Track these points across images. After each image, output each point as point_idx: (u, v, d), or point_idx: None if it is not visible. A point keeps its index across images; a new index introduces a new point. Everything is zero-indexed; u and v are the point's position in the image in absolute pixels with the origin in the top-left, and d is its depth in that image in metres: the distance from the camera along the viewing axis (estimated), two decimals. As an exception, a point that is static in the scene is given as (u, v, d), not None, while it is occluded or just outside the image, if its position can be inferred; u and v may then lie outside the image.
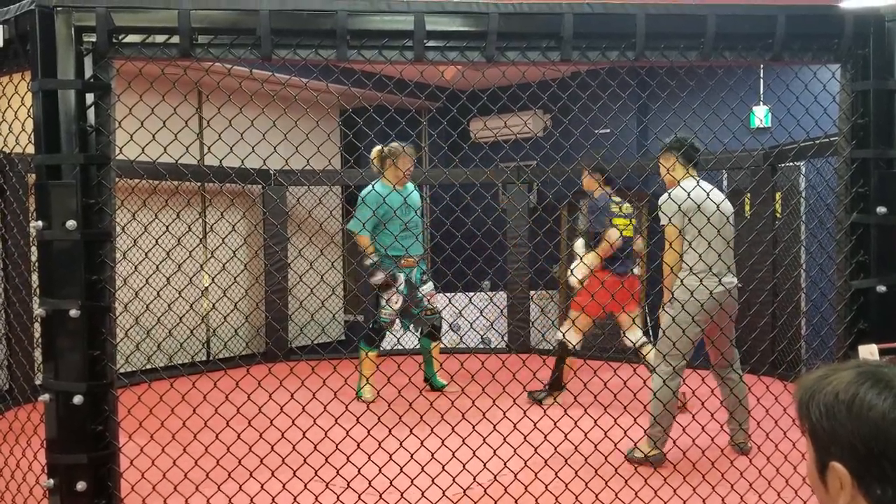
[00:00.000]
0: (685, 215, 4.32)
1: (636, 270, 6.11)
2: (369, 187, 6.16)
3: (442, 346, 6.91)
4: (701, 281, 4.40)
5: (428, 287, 6.44)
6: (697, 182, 4.36)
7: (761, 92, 7.79)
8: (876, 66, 2.86)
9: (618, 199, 6.03)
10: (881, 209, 2.86)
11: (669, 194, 4.26)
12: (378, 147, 6.33)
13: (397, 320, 6.46)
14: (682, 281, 4.30)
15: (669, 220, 4.41)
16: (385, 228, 6.00)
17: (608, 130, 7.34)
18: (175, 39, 2.63)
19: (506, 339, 8.66)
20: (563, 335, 6.00)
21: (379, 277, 6.13)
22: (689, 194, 4.14)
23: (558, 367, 6.10)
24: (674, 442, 3.99)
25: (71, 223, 2.55)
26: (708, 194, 4.26)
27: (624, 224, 5.87)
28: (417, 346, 6.85)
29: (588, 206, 6.01)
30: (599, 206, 5.87)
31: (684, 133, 4.58)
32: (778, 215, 7.05)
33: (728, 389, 4.78)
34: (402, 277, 6.24)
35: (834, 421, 1.33)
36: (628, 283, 5.84)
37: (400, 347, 7.95)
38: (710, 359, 4.81)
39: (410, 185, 6.41)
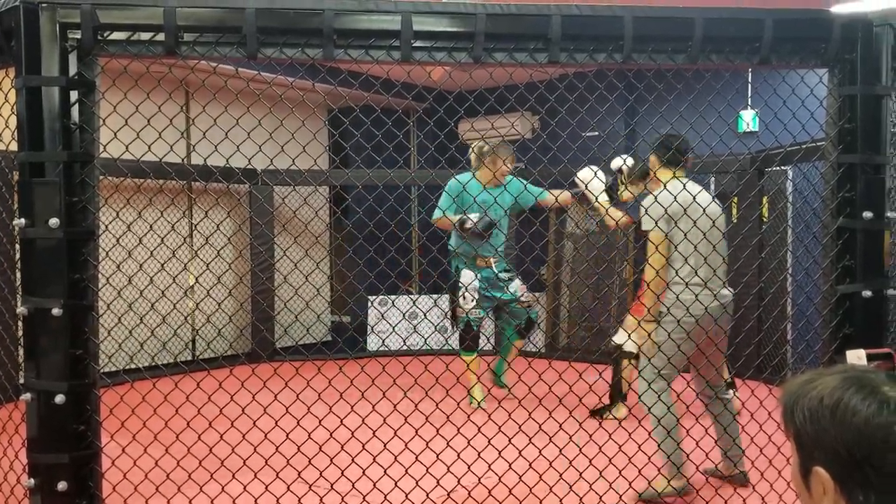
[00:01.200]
0: (672, 220, 3.90)
1: None
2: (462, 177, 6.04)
3: (427, 347, 6.83)
4: (696, 296, 3.83)
5: (517, 283, 6.32)
6: (684, 185, 3.86)
7: (749, 96, 7.81)
8: (863, 70, 2.87)
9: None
10: (867, 214, 2.87)
11: (656, 197, 3.93)
12: (479, 143, 6.24)
13: (485, 318, 6.32)
14: (677, 295, 3.93)
15: (656, 223, 3.97)
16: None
17: (596, 133, 7.33)
18: (160, 37, 2.62)
19: (492, 341, 8.64)
20: (630, 337, 5.38)
21: (470, 222, 5.89)
22: (675, 197, 3.73)
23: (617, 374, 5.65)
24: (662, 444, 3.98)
25: (54, 221, 2.54)
26: (694, 197, 3.80)
27: None
28: (422, 347, 6.72)
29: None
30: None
31: (672, 132, 4.32)
32: (764, 219, 7.07)
33: (721, 406, 4.14)
34: (471, 275, 6.09)
35: (818, 426, 1.33)
36: None
37: (385, 349, 7.95)
38: (695, 381, 4.27)
39: (516, 183, 6.17)
